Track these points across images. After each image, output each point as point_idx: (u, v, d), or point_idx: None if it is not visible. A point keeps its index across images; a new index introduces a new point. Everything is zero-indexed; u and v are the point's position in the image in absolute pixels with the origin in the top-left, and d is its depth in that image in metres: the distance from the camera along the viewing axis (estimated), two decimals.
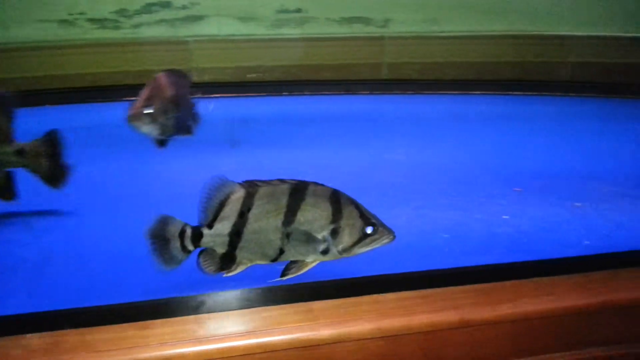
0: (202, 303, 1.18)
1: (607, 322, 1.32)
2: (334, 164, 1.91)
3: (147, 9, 2.50)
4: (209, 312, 1.17)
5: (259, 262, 1.25)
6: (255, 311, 1.19)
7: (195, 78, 2.65)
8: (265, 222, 1.20)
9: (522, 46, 2.90)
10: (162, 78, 1.78)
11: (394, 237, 1.21)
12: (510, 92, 2.89)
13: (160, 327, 1.13)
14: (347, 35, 2.75)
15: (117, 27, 2.50)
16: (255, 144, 2.13)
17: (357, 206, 1.22)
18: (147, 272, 1.23)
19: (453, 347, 1.24)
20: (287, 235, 1.20)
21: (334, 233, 1.20)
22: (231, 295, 1.20)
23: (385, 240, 1.21)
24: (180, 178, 1.82)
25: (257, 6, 2.62)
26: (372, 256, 1.23)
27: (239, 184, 1.21)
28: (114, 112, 2.34)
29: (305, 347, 1.15)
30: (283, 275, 1.23)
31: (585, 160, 2.18)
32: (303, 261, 1.24)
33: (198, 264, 1.23)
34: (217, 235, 1.21)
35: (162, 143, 1.78)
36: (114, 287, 1.28)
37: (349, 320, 1.17)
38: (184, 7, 2.54)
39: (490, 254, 1.40)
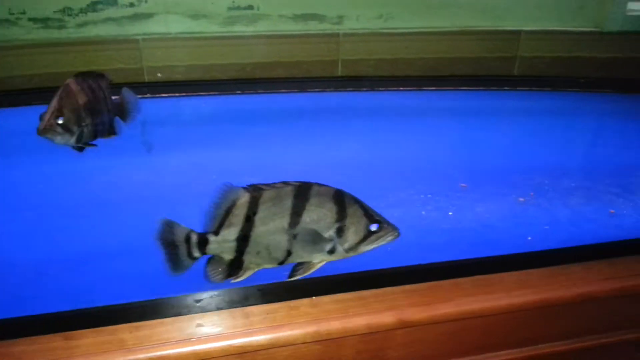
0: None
1: (548, 320, 1.34)
2: (280, 162, 1.89)
3: (92, 7, 2.42)
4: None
5: (266, 266, 1.27)
6: (189, 318, 1.17)
7: (147, 77, 2.61)
8: (271, 224, 1.21)
9: (475, 41, 2.92)
10: (72, 84, 1.76)
11: (399, 233, 1.25)
12: (464, 88, 2.91)
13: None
14: (301, 32, 2.72)
15: (61, 27, 2.42)
16: (200, 143, 2.10)
17: (361, 205, 1.25)
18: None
19: (393, 348, 1.24)
20: (294, 237, 1.22)
21: (340, 232, 1.22)
22: (166, 302, 1.18)
23: (389, 237, 1.24)
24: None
25: (207, 3, 2.57)
26: None
27: (244, 188, 1.23)
28: None
29: (241, 353, 1.14)
30: (291, 276, 1.26)
31: (535, 154, 2.20)
32: (310, 262, 1.26)
33: (205, 272, 1.25)
34: (223, 241, 1.22)
35: (80, 149, 1.78)
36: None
37: (285, 325, 1.15)
38: (131, 5, 2.47)
39: (433, 252, 1.40)
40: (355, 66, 2.81)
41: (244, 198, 1.21)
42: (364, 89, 2.80)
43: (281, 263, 1.26)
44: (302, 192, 1.22)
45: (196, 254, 1.21)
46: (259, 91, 2.74)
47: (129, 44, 2.52)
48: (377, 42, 2.80)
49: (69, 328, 1.08)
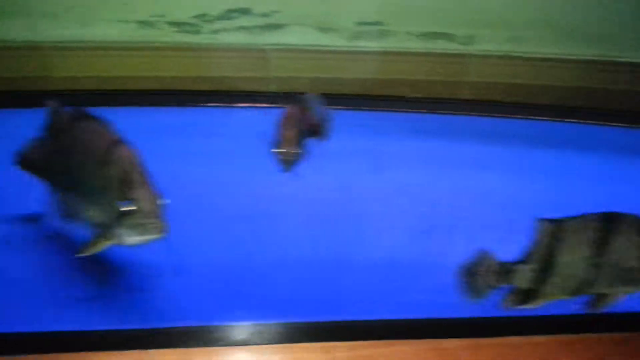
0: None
1: None
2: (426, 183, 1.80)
3: (228, 15, 2.45)
4: None
5: (560, 296, 1.22)
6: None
7: (273, 87, 2.60)
8: (576, 255, 1.17)
9: (609, 73, 2.73)
10: (295, 110, 1.75)
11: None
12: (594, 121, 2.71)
13: None
14: (427, 50, 2.63)
15: (196, 32, 2.45)
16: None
17: None
18: None
19: None
20: (598, 268, 1.15)
21: None
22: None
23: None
24: None
25: (337, 17, 2.53)
26: None
27: (547, 220, 1.20)
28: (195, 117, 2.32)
29: None
30: (592, 306, 1.21)
31: None
32: (610, 295, 1.19)
33: (503, 297, 1.24)
34: (525, 272, 1.20)
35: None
36: None
37: None
38: (264, 15, 2.47)
39: None
40: (483, 90, 2.69)
41: (548, 229, 1.17)
42: (492, 114, 2.67)
43: (577, 294, 1.21)
44: (609, 222, 1.15)
45: (500, 283, 1.22)
46: (376, 108, 2.67)
47: (257, 53, 2.53)
48: (507, 65, 2.67)
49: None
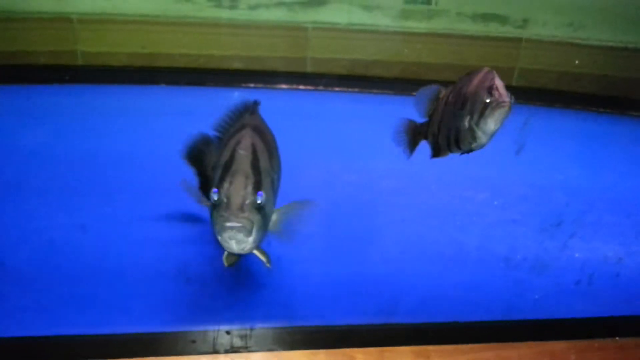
0: None
1: None
2: None
3: None
4: None
5: None
6: None
7: (309, 68, 2.45)
8: None
9: None
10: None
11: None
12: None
13: None
14: (479, 34, 2.46)
15: (233, 7, 2.30)
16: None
17: None
18: None
19: None
20: None
21: None
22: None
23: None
24: None
25: None
26: None
27: None
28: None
29: None
30: None
31: None
32: None
33: None
34: None
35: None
36: None
37: None
38: None
39: None
40: (534, 76, 2.52)
41: None
42: (538, 103, 2.50)
43: None
44: None
45: None
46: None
47: (297, 31, 2.37)
48: (563, 52, 2.49)
49: None
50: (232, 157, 1.01)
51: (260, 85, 2.32)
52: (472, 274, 1.39)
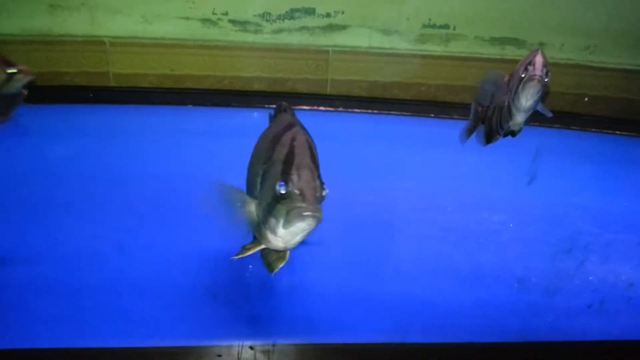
0: None
1: None
2: None
3: (290, 14, 2.37)
4: None
5: None
6: None
7: (329, 90, 2.53)
8: None
9: None
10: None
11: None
12: None
13: None
14: (496, 56, 2.51)
15: (257, 31, 2.39)
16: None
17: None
18: None
19: None
20: None
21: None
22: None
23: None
24: None
25: (403, 19, 2.44)
26: None
27: None
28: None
29: None
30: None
31: None
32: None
33: None
34: None
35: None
36: None
37: None
38: (327, 15, 2.39)
39: None
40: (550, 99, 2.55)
41: None
42: (554, 125, 2.54)
43: None
44: None
45: None
46: (438, 115, 2.57)
47: (318, 54, 2.45)
48: (579, 75, 2.53)
49: None
50: (292, 152, 1.04)
51: None
52: (486, 295, 1.41)
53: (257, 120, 2.30)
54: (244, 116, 2.34)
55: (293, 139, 1.08)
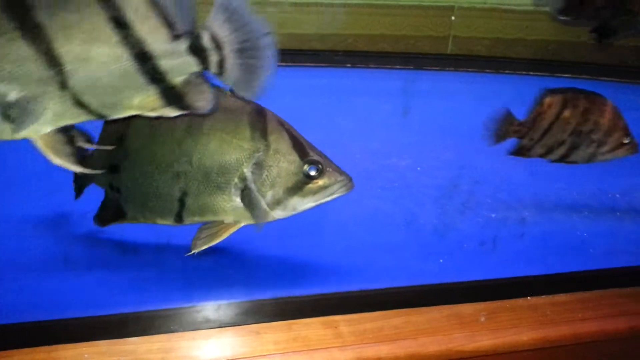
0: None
1: None
2: None
3: None
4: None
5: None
6: None
7: (450, 49, 2.50)
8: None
9: None
10: None
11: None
12: None
13: None
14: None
15: None
16: None
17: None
18: None
19: None
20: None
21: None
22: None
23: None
24: None
25: None
26: None
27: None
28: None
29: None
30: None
31: None
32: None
33: None
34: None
35: None
36: None
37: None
38: None
39: None
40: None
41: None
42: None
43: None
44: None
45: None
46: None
47: (442, 11, 2.43)
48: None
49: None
50: (292, 135, 0.99)
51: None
52: (375, 239, 1.30)
53: None
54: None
55: (281, 123, 1.00)
